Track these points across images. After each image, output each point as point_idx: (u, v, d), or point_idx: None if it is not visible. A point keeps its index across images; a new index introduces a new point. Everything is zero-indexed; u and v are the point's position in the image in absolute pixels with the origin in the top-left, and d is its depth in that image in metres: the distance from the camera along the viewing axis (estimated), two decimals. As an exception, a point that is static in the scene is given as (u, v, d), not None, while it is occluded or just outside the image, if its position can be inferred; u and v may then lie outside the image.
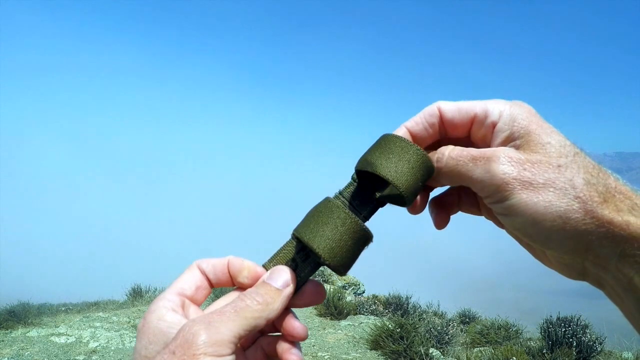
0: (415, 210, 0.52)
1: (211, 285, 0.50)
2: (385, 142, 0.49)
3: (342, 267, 0.47)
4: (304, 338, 0.48)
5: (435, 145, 0.51)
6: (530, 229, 0.42)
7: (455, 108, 0.48)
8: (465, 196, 0.53)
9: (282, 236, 0.53)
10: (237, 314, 0.42)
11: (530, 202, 0.41)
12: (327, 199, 0.49)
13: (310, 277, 0.51)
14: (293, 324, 0.48)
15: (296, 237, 0.49)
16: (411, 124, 0.50)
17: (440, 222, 0.53)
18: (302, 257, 0.51)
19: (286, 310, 0.48)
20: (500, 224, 0.51)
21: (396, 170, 0.46)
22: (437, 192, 0.56)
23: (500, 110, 0.46)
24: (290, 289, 0.47)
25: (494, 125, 0.46)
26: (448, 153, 0.47)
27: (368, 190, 0.51)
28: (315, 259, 0.49)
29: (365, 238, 0.48)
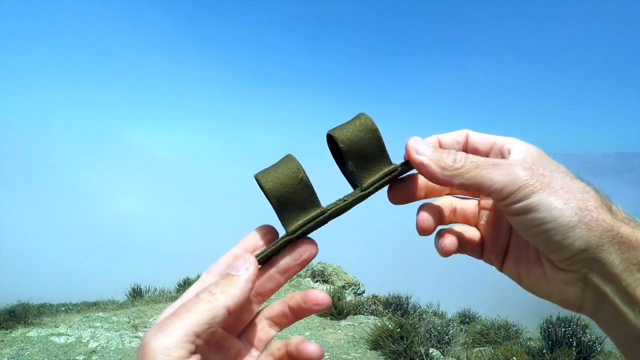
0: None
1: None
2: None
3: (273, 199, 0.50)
4: (327, 307, 0.50)
5: None
6: (549, 225, 0.45)
7: (479, 135, 0.57)
8: (468, 241, 0.58)
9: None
10: (187, 311, 0.42)
11: (551, 199, 0.45)
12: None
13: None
14: (313, 293, 0.51)
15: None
16: (443, 135, 0.57)
17: (447, 250, 0.57)
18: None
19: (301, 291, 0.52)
20: (500, 262, 0.57)
21: (341, 130, 0.53)
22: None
23: (515, 143, 0.53)
24: (249, 271, 0.47)
25: (509, 151, 0.53)
26: (470, 157, 0.51)
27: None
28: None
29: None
